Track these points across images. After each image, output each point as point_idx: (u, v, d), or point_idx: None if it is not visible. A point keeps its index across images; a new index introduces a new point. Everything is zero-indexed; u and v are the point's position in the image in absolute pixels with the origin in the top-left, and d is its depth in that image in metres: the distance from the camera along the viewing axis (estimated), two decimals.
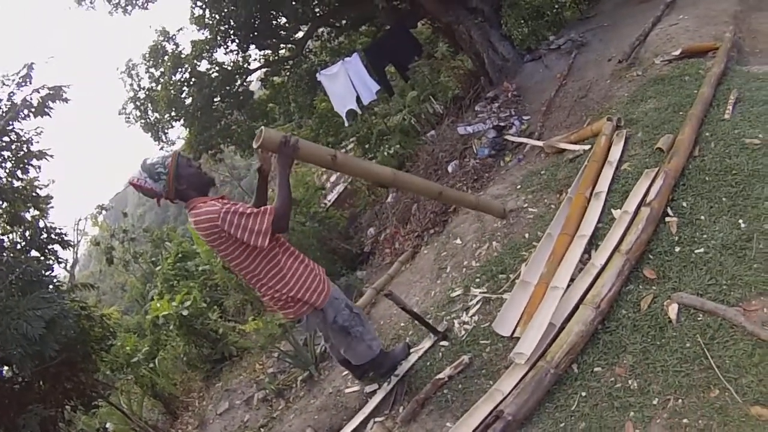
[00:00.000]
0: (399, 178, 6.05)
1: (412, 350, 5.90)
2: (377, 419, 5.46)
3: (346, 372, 6.23)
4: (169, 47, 16.00)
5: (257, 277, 4.76)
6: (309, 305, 4.90)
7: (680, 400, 3.78)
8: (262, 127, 4.88)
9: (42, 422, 7.17)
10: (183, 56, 15.72)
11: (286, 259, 4.83)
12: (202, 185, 4.77)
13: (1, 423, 7.23)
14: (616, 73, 9.35)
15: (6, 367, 7.71)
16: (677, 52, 8.56)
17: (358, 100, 12.58)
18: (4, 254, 8.11)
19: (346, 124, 13.26)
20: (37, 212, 8.73)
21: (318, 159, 5.24)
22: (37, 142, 8.24)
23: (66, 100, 8.24)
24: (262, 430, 6.96)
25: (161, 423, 9.91)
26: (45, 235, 8.63)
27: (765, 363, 3.69)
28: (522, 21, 12.50)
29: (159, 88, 16.06)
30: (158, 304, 11.22)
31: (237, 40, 15.79)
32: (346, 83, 12.43)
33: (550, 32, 12.82)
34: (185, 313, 10.24)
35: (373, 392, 5.79)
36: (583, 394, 4.20)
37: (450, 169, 10.09)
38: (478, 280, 6.34)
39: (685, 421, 3.64)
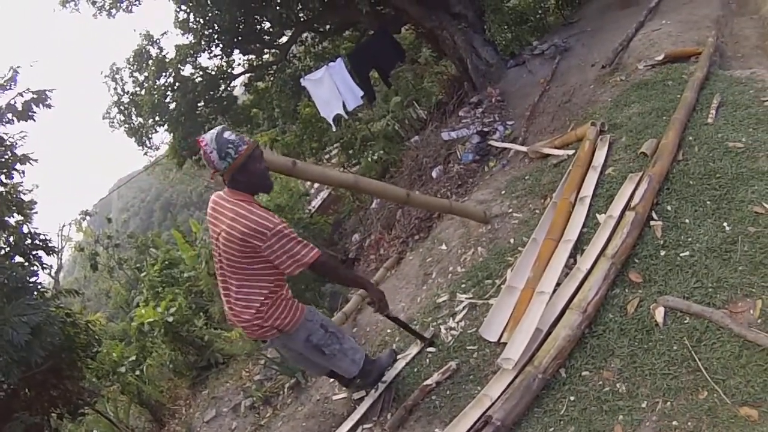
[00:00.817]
0: (361, 183, 6.08)
1: (399, 356, 5.89)
2: (365, 426, 5.44)
3: (333, 379, 6.22)
4: (154, 51, 15.92)
5: (244, 286, 4.69)
6: (275, 330, 4.84)
7: (669, 403, 3.80)
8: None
9: (27, 430, 7.14)
10: (167, 60, 15.64)
11: (281, 287, 4.84)
12: (261, 186, 4.78)
13: None
14: (600, 78, 9.39)
15: None
16: (660, 57, 8.61)
17: (344, 105, 12.56)
18: None
19: (333, 129, 13.24)
20: (21, 217, 8.69)
21: (279, 166, 5.30)
22: (21, 146, 8.21)
23: (49, 106, 8.21)
24: None
25: (148, 431, 9.87)
26: (29, 241, 8.59)
27: (752, 364, 3.72)
28: (505, 26, 12.55)
29: (143, 92, 15.98)
30: (143, 311, 11.18)
31: (221, 45, 15.74)
32: (332, 88, 12.41)
33: (534, 37, 12.89)
34: (170, 319, 10.21)
35: (361, 399, 5.76)
36: (572, 398, 4.22)
37: (434, 174, 10.11)
38: (464, 285, 6.34)
39: (674, 423, 3.67)
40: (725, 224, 4.94)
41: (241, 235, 4.38)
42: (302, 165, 5.50)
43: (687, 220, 5.20)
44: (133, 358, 11.01)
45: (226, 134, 4.43)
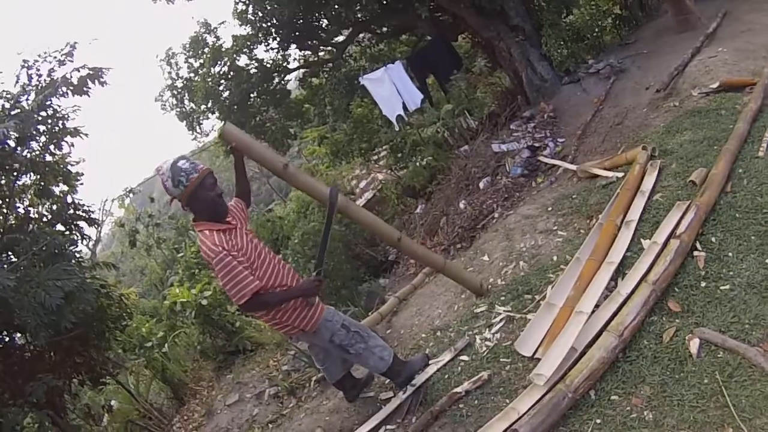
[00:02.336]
0: (351, 208, 5.83)
1: (431, 361, 5.92)
2: (389, 427, 5.48)
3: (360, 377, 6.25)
4: (210, 39, 16.08)
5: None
6: (297, 329, 5.02)
7: None
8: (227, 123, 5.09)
9: (48, 391, 7.23)
10: (223, 50, 15.80)
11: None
12: (213, 213, 4.84)
13: (9, 388, 7.32)
14: (653, 102, 9.35)
15: (19, 335, 7.80)
16: (715, 85, 8.57)
17: (404, 106, 12.58)
18: (31, 225, 8.23)
19: (396, 128, 13.23)
20: (66, 187, 8.81)
21: (269, 163, 5.35)
22: (73, 119, 8.32)
23: (104, 83, 8.31)
24: (270, 425, 7.00)
25: (166, 407, 9.94)
26: (72, 211, 8.71)
27: None
28: (562, 42, 12.54)
29: (197, 78, 16.14)
30: (177, 291, 11.31)
31: (278, 39, 15.84)
32: (392, 88, 12.43)
33: (590, 56, 12.87)
34: (204, 302, 10.33)
35: (388, 399, 5.79)
36: (598, 421, 4.22)
37: (481, 185, 10.11)
38: (503, 298, 6.36)
39: None
40: None
41: (207, 259, 4.68)
42: (293, 170, 5.50)
43: (730, 254, 5.18)
44: (161, 335, 11.15)
45: (180, 163, 4.69)
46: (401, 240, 6.06)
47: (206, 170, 4.78)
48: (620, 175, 7.51)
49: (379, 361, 5.41)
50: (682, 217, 5.68)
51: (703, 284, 4.98)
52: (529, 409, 4.45)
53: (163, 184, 4.69)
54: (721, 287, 4.85)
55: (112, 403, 9.69)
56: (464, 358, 5.75)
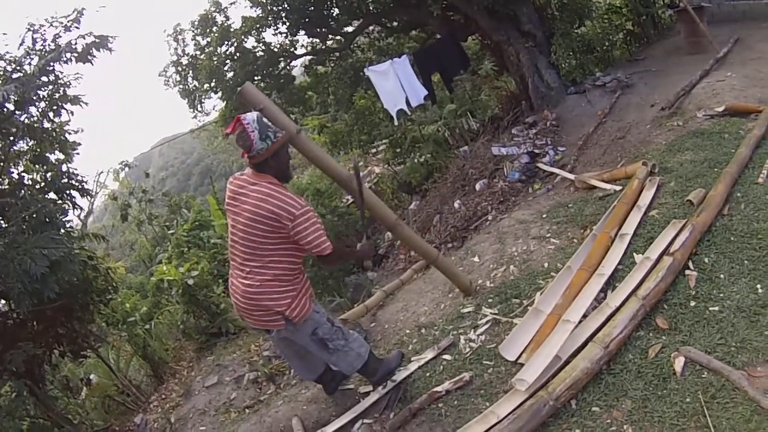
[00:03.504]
0: (353, 185, 5.53)
1: (413, 358, 5.90)
2: (366, 421, 5.46)
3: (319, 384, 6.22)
4: (220, 18, 16.06)
5: (261, 268, 4.77)
6: (284, 319, 4.89)
7: None
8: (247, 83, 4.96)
9: (28, 361, 7.20)
10: (232, 30, 15.77)
11: (298, 272, 4.97)
12: (285, 175, 4.89)
13: None
14: (657, 120, 9.36)
15: (3, 302, 7.74)
16: (720, 109, 8.57)
17: (407, 101, 12.56)
18: (23, 191, 8.16)
19: (396, 122, 13.20)
20: (62, 156, 8.75)
21: (281, 125, 5.10)
22: (75, 87, 8.24)
23: (110, 50, 8.25)
24: (247, 410, 6.93)
25: (145, 385, 9.88)
26: (66, 180, 8.64)
27: (761, 430, 3.69)
28: (571, 53, 12.54)
29: (203, 57, 16.11)
30: (165, 268, 11.26)
31: (287, 23, 15.81)
32: (396, 82, 12.41)
33: (598, 68, 12.88)
34: (190, 281, 10.25)
35: (367, 393, 5.78)
36: (578, 431, 4.22)
37: (478, 186, 10.09)
38: (490, 300, 6.35)
39: None
40: (759, 286, 4.91)
41: (270, 214, 4.55)
42: (304, 138, 5.43)
43: (722, 276, 5.18)
44: (145, 310, 11.11)
45: (266, 120, 4.68)
46: (398, 224, 6.00)
47: (287, 133, 4.87)
48: (618, 188, 7.51)
49: (356, 357, 5.38)
50: (676, 236, 5.69)
51: (692, 303, 4.99)
52: (509, 413, 4.45)
53: (245, 132, 4.52)
54: (711, 308, 4.86)
55: (91, 377, 9.65)
56: (447, 357, 5.74)
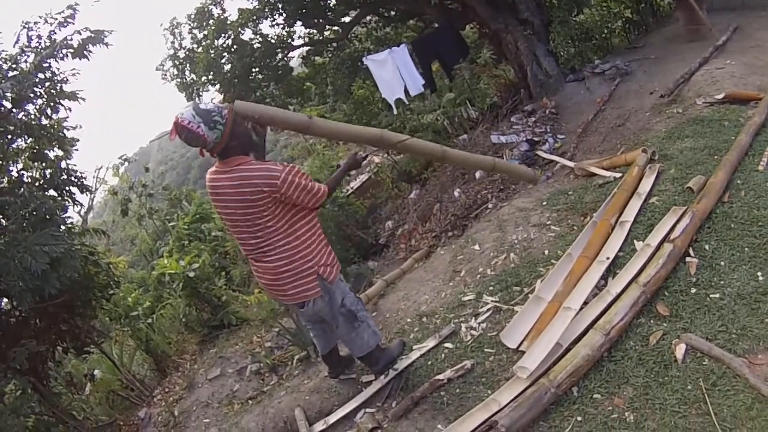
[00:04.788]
0: (386, 137, 5.44)
1: (415, 347, 5.92)
2: (368, 410, 5.47)
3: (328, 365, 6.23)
4: (216, 11, 16.03)
5: (280, 243, 4.64)
6: (322, 280, 4.80)
7: None
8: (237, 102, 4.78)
9: (31, 357, 7.19)
10: (228, 22, 15.74)
11: (316, 230, 4.87)
12: (250, 145, 4.68)
13: None
14: (657, 107, 9.35)
15: (5, 300, 7.73)
16: (720, 96, 8.55)
17: (406, 90, 12.53)
18: (22, 189, 8.15)
19: (394, 112, 13.18)
20: (61, 152, 8.73)
21: (294, 124, 5.04)
22: (71, 83, 8.23)
23: (107, 44, 8.23)
24: (250, 402, 6.94)
25: (149, 379, 9.89)
26: (65, 176, 8.62)
27: (761, 418, 3.70)
28: (570, 40, 12.51)
29: (200, 50, 16.09)
30: (166, 262, 11.27)
31: (284, 15, 15.81)
32: (394, 72, 12.39)
33: (596, 56, 12.86)
34: (192, 274, 10.25)
35: (369, 382, 5.79)
36: (579, 418, 4.22)
37: (477, 175, 10.09)
38: (491, 288, 6.36)
39: None
40: (759, 273, 4.91)
41: (256, 193, 4.39)
42: (319, 120, 5.17)
43: (722, 263, 5.18)
44: (148, 305, 11.11)
45: (202, 106, 4.38)
46: (446, 152, 5.96)
47: (230, 105, 4.50)
48: (618, 175, 7.51)
49: (372, 335, 5.37)
50: (677, 222, 5.69)
51: (693, 290, 4.98)
52: (511, 401, 4.45)
53: (191, 132, 4.25)
54: (711, 295, 4.86)
55: (95, 372, 9.65)
56: (448, 345, 5.75)
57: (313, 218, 4.87)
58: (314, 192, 4.60)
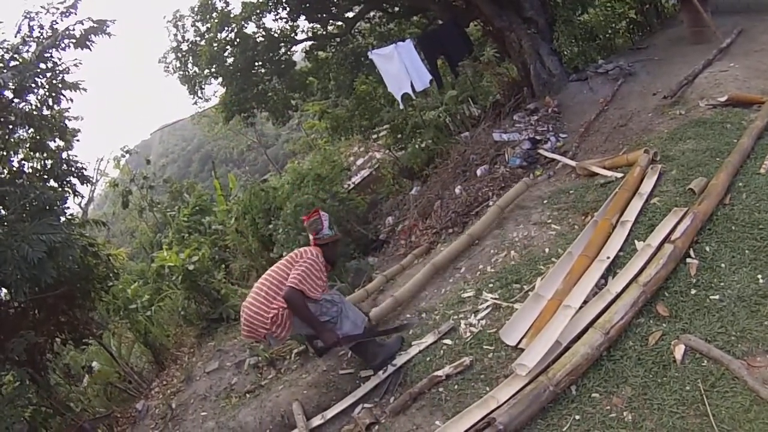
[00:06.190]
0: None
1: (413, 343, 5.94)
2: (366, 405, 5.52)
3: (342, 353, 6.29)
4: (219, 4, 16.00)
5: (264, 296, 5.61)
6: (270, 335, 5.60)
7: None
8: None
9: (29, 348, 7.22)
10: (232, 16, 15.72)
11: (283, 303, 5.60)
12: (332, 262, 6.22)
13: None
14: (659, 109, 9.33)
15: (4, 290, 7.73)
16: (723, 99, 8.53)
17: (412, 85, 12.49)
18: (22, 179, 8.14)
19: (400, 107, 13.14)
20: (62, 143, 8.73)
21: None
22: (73, 73, 8.21)
23: (109, 34, 8.22)
24: (248, 395, 6.97)
25: (147, 371, 9.90)
26: (65, 167, 8.61)
27: (759, 420, 3.70)
28: (574, 40, 12.48)
29: (203, 43, 16.08)
30: (166, 254, 11.25)
31: (288, 9, 15.80)
32: (401, 66, 12.34)
33: (600, 56, 12.79)
34: (191, 267, 10.25)
35: (367, 378, 5.83)
36: (577, 417, 4.23)
37: (479, 172, 10.08)
38: (491, 285, 6.36)
39: None
40: (760, 276, 4.91)
41: (296, 254, 5.87)
42: None
43: (723, 265, 5.18)
44: (146, 298, 11.11)
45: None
46: None
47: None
48: (619, 175, 7.50)
49: (352, 326, 5.64)
50: (678, 223, 5.69)
51: (693, 291, 4.99)
52: (509, 398, 4.48)
53: (320, 222, 5.99)
54: (711, 297, 4.86)
55: (93, 364, 9.66)
56: (447, 341, 5.76)
57: None
58: (294, 277, 5.54)
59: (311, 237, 6.06)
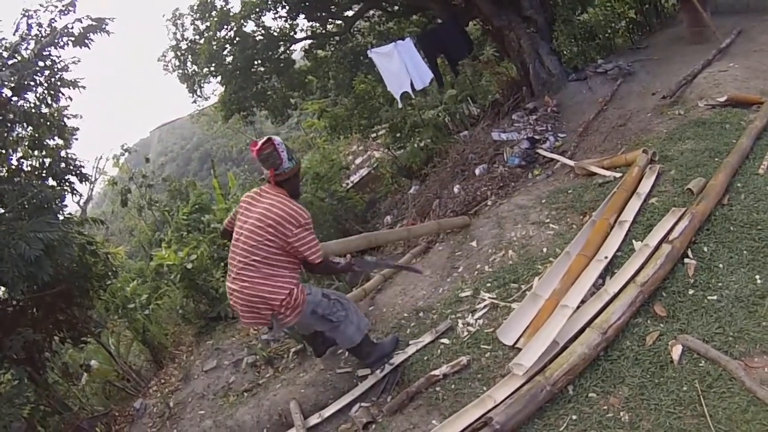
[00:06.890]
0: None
1: (411, 342, 5.95)
2: (363, 404, 5.50)
3: (340, 351, 6.29)
4: (219, 3, 16.04)
5: (260, 271, 5.08)
6: (275, 317, 5.19)
7: None
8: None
9: (27, 346, 7.20)
10: (231, 14, 15.74)
11: (295, 277, 5.24)
12: (296, 194, 5.42)
13: None
14: (658, 108, 9.34)
15: (2, 288, 7.72)
16: (722, 99, 8.53)
17: (412, 84, 12.48)
18: (20, 177, 8.12)
19: (400, 106, 13.13)
20: (60, 141, 8.71)
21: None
22: (72, 71, 8.20)
23: (108, 33, 8.21)
24: (245, 394, 6.94)
25: (145, 370, 9.88)
26: (64, 165, 8.60)
27: (757, 421, 3.70)
28: (573, 39, 12.47)
29: (202, 41, 16.10)
30: (164, 253, 11.24)
31: (287, 7, 15.83)
32: (401, 65, 12.32)
33: (599, 56, 12.78)
34: (189, 266, 10.23)
35: (365, 377, 5.81)
36: (574, 417, 4.23)
37: (477, 171, 10.07)
38: (489, 285, 6.37)
39: None
40: (758, 277, 4.92)
41: (278, 218, 4.99)
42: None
43: (721, 265, 5.19)
44: (145, 296, 11.10)
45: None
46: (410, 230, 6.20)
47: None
48: (618, 175, 7.51)
49: (356, 331, 5.54)
50: (676, 224, 5.69)
51: (690, 292, 4.99)
52: (506, 398, 4.47)
53: (276, 153, 5.05)
54: (709, 297, 4.87)
55: (92, 362, 9.64)
56: (445, 341, 5.77)
57: (298, 267, 5.30)
58: (312, 252, 5.10)
59: (268, 173, 5.16)
